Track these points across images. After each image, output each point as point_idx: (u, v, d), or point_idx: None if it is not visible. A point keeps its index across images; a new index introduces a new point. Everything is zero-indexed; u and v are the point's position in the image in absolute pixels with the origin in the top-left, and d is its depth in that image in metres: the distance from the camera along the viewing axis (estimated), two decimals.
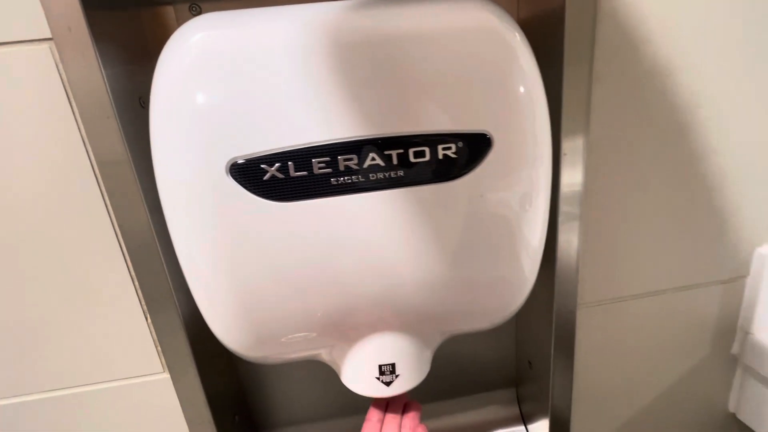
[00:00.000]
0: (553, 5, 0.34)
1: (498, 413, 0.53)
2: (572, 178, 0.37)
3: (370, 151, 0.24)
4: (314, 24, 0.25)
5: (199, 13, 0.35)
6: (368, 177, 0.24)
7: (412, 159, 0.24)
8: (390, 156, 0.24)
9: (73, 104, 0.31)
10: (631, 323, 0.44)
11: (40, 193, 0.33)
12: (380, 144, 0.24)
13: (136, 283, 0.36)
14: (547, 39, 0.35)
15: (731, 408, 0.50)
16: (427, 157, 0.24)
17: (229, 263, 0.25)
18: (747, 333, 0.46)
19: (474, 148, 0.25)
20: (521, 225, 0.28)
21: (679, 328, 0.45)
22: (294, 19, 0.25)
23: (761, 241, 0.43)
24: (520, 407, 0.53)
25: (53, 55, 0.30)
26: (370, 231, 0.25)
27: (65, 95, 0.31)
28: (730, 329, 0.46)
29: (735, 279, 0.44)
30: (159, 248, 0.33)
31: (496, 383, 0.53)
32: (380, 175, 0.24)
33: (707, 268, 0.43)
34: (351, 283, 0.26)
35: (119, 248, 0.35)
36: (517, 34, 0.27)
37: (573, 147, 0.35)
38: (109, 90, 0.29)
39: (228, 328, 0.29)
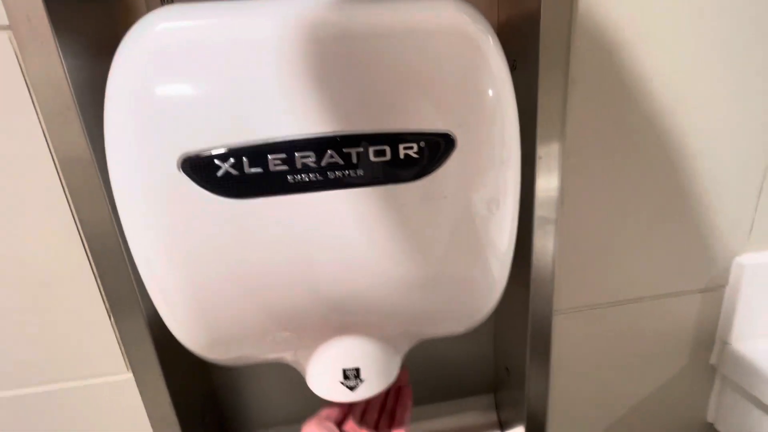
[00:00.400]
0: (530, 8, 0.33)
1: (476, 419, 0.53)
2: (548, 182, 0.36)
3: (329, 149, 0.23)
4: (276, 18, 0.24)
5: (171, 2, 0.34)
6: (326, 176, 0.23)
7: (372, 158, 0.23)
8: (349, 154, 0.23)
9: (33, 96, 0.30)
10: (609, 331, 0.44)
11: (3, 189, 0.32)
12: (339, 142, 0.23)
13: (99, 282, 0.35)
14: (524, 41, 0.34)
15: (709, 418, 0.50)
16: (388, 157, 0.23)
17: (182, 262, 0.25)
18: (725, 343, 0.45)
19: (436, 148, 0.24)
20: (488, 228, 0.28)
21: (657, 337, 0.45)
22: (258, 13, 0.24)
23: (740, 251, 0.43)
24: (498, 413, 0.53)
25: (11, 44, 0.29)
26: (329, 231, 0.24)
27: (25, 85, 0.30)
28: (708, 339, 0.46)
29: (714, 288, 0.44)
30: (123, 248, 0.32)
31: (475, 389, 0.53)
32: (339, 174, 0.23)
33: (685, 277, 0.43)
34: (308, 285, 0.25)
35: (82, 247, 0.34)
36: (489, 37, 0.27)
37: (548, 151, 0.35)
38: (69, 82, 0.29)
39: (184, 328, 0.28)
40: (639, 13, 0.34)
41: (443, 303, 0.29)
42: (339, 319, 0.27)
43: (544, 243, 0.38)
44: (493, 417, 0.53)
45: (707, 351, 0.46)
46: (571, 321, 0.43)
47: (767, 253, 0.43)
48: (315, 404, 0.42)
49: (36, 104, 0.30)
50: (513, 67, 0.36)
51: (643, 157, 0.38)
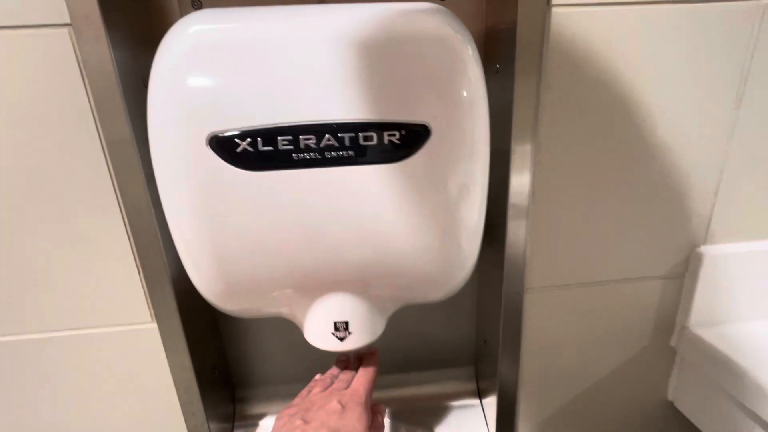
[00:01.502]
0: (510, 19, 0.38)
1: (456, 387, 0.58)
2: (521, 176, 0.41)
3: (327, 133, 0.28)
4: (290, 23, 0.29)
5: (200, 7, 0.40)
6: (324, 155, 0.29)
7: (361, 142, 0.29)
8: (343, 138, 0.28)
9: (86, 81, 0.36)
10: (576, 310, 0.48)
11: (50, 154, 0.38)
12: (335, 128, 0.28)
13: (132, 239, 0.41)
14: (505, 48, 0.39)
15: (670, 397, 0.54)
16: (375, 141, 0.29)
17: (206, 222, 0.30)
18: (684, 327, 0.50)
19: (416, 136, 0.29)
20: (460, 209, 0.33)
21: (622, 318, 0.49)
22: (275, 18, 0.30)
23: (700, 242, 0.47)
24: (477, 383, 0.58)
25: (71, 39, 0.35)
26: (326, 201, 0.30)
27: (80, 74, 0.36)
28: (669, 322, 0.50)
29: (674, 276, 0.48)
30: (154, 214, 0.38)
31: (458, 360, 0.58)
32: (334, 154, 0.29)
33: (648, 264, 0.47)
34: (307, 246, 0.31)
35: (118, 208, 0.40)
36: (468, 47, 0.32)
37: (522, 146, 0.40)
38: (117, 71, 0.34)
39: (205, 280, 0.34)
40: (607, 25, 0.38)
41: (419, 270, 0.34)
42: (330, 275, 0.33)
43: (516, 229, 0.43)
44: (472, 386, 0.58)
45: (668, 334, 0.51)
46: (541, 298, 0.48)
47: (725, 244, 0.47)
48: (311, 365, 0.48)
49: (87, 87, 0.36)
50: (496, 71, 0.41)
51: (609, 154, 0.42)
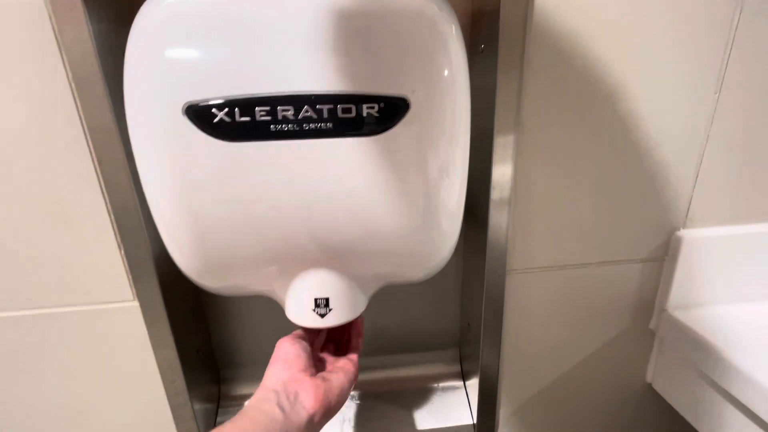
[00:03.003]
0: (494, 2, 0.38)
1: (441, 369, 0.59)
2: (504, 155, 0.41)
3: (305, 105, 0.28)
4: None
5: None
6: (302, 127, 0.28)
7: (340, 114, 0.29)
8: (322, 110, 0.28)
9: (64, 54, 0.35)
10: (558, 292, 0.49)
11: (29, 130, 0.38)
12: (314, 99, 0.28)
13: (112, 216, 0.40)
14: (489, 28, 0.39)
15: (648, 378, 0.55)
16: (353, 114, 0.29)
17: (183, 193, 0.30)
18: (663, 310, 0.51)
19: (395, 109, 0.29)
20: (439, 187, 0.33)
21: (602, 300, 0.50)
22: None
23: (679, 226, 0.48)
24: (461, 365, 0.59)
25: (47, 9, 0.34)
26: (302, 173, 0.30)
27: (57, 47, 0.35)
28: (648, 305, 0.51)
29: (654, 259, 0.49)
30: (134, 190, 0.38)
31: (443, 343, 0.59)
32: (313, 126, 0.29)
33: (629, 247, 0.48)
34: (283, 219, 0.31)
35: (99, 185, 0.40)
36: (452, 25, 0.32)
37: (505, 125, 0.40)
38: (95, 44, 0.34)
39: (184, 254, 0.34)
40: (590, 7, 0.38)
41: (398, 247, 0.35)
42: (309, 250, 0.33)
43: (499, 212, 0.43)
44: (456, 368, 0.59)
45: (647, 316, 0.52)
46: (523, 281, 0.48)
47: (703, 229, 0.48)
48: None
49: (65, 57, 0.36)
50: (481, 51, 0.41)
51: (591, 137, 0.43)
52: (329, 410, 0.33)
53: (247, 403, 0.32)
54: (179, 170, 0.29)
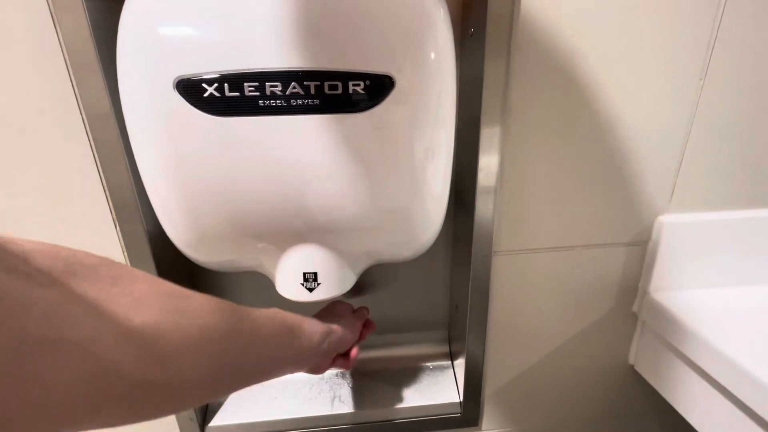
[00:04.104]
0: None
1: (430, 349, 0.60)
2: (491, 138, 0.42)
3: (292, 81, 0.29)
4: None
5: None
6: (290, 102, 0.29)
7: (327, 91, 0.29)
8: (309, 87, 0.29)
9: (59, 32, 0.36)
10: (542, 273, 0.50)
11: (25, 105, 0.38)
12: (301, 76, 0.29)
13: (108, 194, 0.41)
14: (478, 13, 0.40)
15: (631, 360, 0.57)
16: (339, 90, 0.30)
17: (174, 167, 0.31)
18: (646, 293, 0.52)
19: (380, 86, 0.30)
20: (424, 171, 0.34)
21: (586, 283, 0.51)
22: None
23: (662, 211, 0.49)
24: (450, 345, 0.60)
25: None
26: (290, 149, 0.31)
27: (53, 25, 0.36)
28: (631, 288, 0.52)
29: (637, 243, 0.50)
30: (128, 164, 0.39)
31: (433, 324, 0.60)
32: (300, 102, 0.29)
33: (613, 231, 0.49)
34: (271, 193, 0.32)
35: (95, 163, 0.41)
36: (441, 9, 0.32)
37: (492, 107, 0.41)
38: (89, 20, 0.35)
39: (176, 227, 0.35)
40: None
41: (384, 225, 0.36)
42: (295, 223, 0.34)
43: (485, 194, 0.44)
44: (445, 348, 0.60)
45: (630, 299, 0.53)
46: (509, 262, 0.49)
47: (686, 213, 0.49)
48: None
49: (61, 37, 0.36)
50: (470, 35, 0.42)
51: (577, 121, 0.44)
52: (331, 346, 0.38)
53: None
54: (171, 144, 0.30)
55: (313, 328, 0.36)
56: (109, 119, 0.37)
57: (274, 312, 0.32)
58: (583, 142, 0.45)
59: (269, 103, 0.29)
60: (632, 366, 0.57)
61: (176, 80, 0.28)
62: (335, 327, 0.39)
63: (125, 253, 0.45)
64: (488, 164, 0.43)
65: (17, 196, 0.42)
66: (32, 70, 0.37)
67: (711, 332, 0.46)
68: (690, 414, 0.49)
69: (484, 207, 0.45)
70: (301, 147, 0.31)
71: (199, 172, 0.31)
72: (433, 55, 0.32)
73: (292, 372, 0.34)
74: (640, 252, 0.50)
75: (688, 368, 0.49)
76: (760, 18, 0.42)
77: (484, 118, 0.41)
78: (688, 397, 0.49)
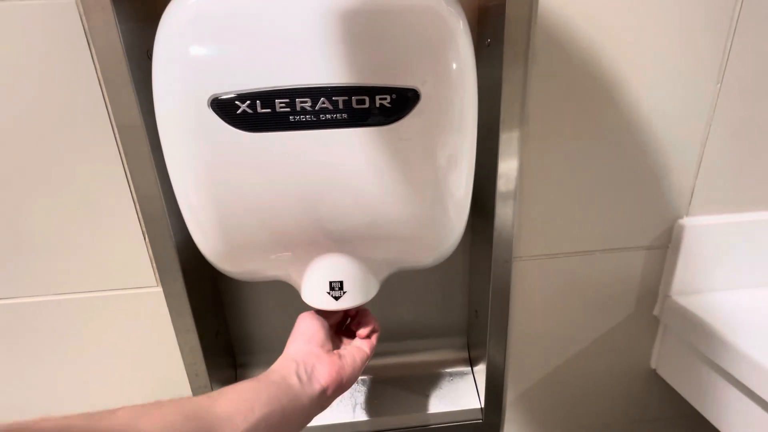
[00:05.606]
0: None
1: (449, 355, 0.60)
2: (509, 145, 0.42)
3: (322, 96, 0.30)
4: None
5: None
6: (319, 117, 0.30)
7: (354, 105, 0.30)
8: (337, 101, 0.30)
9: (93, 52, 0.38)
10: (563, 279, 0.51)
11: (59, 124, 0.40)
12: (330, 91, 0.30)
13: (137, 206, 0.43)
14: (495, 23, 0.41)
15: (653, 364, 0.57)
16: (367, 105, 0.30)
17: (208, 182, 0.32)
18: (667, 296, 0.52)
19: (405, 100, 0.31)
20: (447, 179, 0.35)
21: (607, 287, 0.51)
22: None
23: (682, 214, 0.49)
24: (469, 352, 0.60)
25: (78, 9, 0.36)
26: (319, 162, 0.32)
27: (87, 45, 0.37)
28: (652, 292, 0.52)
29: (658, 246, 0.50)
30: (157, 177, 0.40)
31: (452, 330, 0.60)
32: (329, 116, 0.30)
33: (633, 235, 0.49)
34: (303, 206, 0.33)
35: (125, 175, 0.42)
36: (460, 21, 0.33)
37: (510, 117, 0.42)
38: (122, 42, 0.36)
39: (207, 240, 0.36)
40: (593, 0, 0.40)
41: (408, 233, 0.36)
42: (324, 234, 0.35)
43: (505, 200, 0.44)
44: (464, 354, 0.60)
45: (651, 303, 0.53)
46: (529, 268, 0.50)
47: (706, 216, 0.49)
48: None
49: (93, 54, 0.38)
50: (487, 45, 0.43)
51: (595, 127, 0.44)
52: (341, 386, 0.35)
53: (271, 367, 0.35)
54: (205, 160, 0.31)
55: (315, 388, 0.33)
56: (140, 134, 0.38)
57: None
58: (602, 147, 0.45)
59: (299, 118, 0.30)
60: (654, 370, 0.57)
61: (211, 98, 0.30)
62: (342, 375, 0.35)
63: (153, 263, 0.46)
64: (508, 170, 0.43)
65: (52, 209, 0.43)
66: (66, 88, 0.39)
67: (738, 335, 0.46)
68: (715, 417, 0.49)
69: (503, 213, 0.45)
70: (330, 160, 0.32)
71: (233, 185, 0.32)
72: (455, 66, 0.33)
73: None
74: (661, 255, 0.51)
75: (713, 372, 0.48)
76: None
77: (502, 126, 0.42)
78: (714, 401, 0.49)
